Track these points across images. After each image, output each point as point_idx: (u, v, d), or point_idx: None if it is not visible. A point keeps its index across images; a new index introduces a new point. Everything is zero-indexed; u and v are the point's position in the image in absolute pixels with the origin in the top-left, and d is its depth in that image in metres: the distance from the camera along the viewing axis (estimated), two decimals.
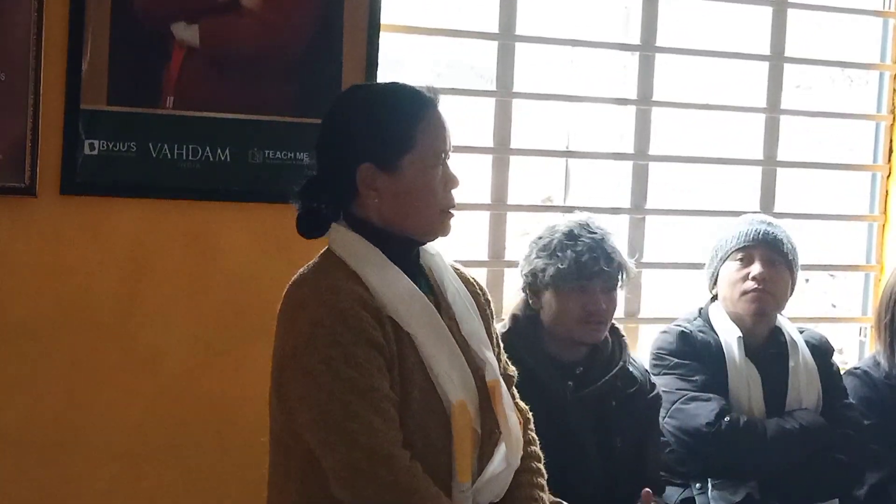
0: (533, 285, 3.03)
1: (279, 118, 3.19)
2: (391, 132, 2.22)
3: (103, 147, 3.05)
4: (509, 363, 2.51)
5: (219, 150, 3.16)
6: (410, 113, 2.23)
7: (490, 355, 2.31)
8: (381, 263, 2.22)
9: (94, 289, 3.09)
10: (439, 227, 2.28)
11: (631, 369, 3.05)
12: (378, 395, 2.11)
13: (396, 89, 2.33)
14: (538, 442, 2.49)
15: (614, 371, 3.00)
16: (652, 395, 3.10)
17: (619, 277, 3.02)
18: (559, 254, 2.97)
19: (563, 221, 3.07)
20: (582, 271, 2.94)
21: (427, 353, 2.20)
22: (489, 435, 2.26)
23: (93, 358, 3.10)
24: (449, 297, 2.32)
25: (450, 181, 2.26)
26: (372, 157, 2.21)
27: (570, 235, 2.99)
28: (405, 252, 2.27)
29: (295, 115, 3.18)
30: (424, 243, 2.32)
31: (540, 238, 3.06)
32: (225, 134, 3.15)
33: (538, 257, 3.01)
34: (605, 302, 2.98)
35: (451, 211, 2.28)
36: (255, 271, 3.17)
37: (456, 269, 2.43)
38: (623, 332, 3.16)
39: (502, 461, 2.26)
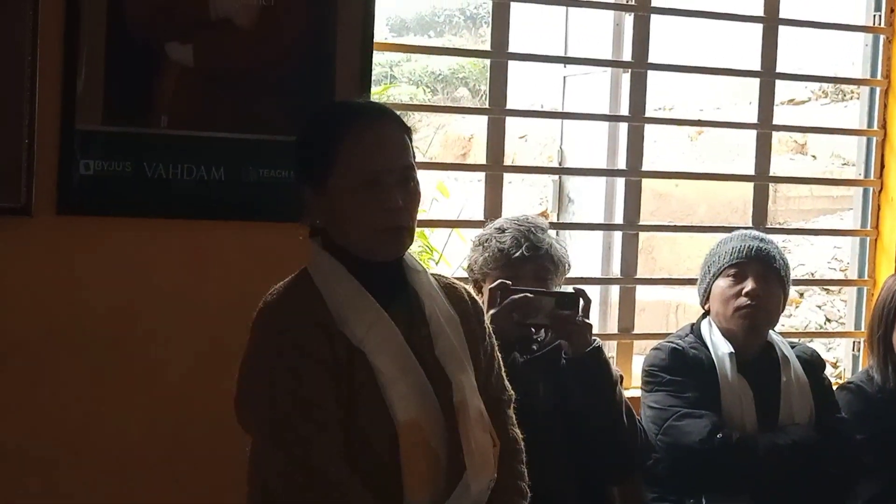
0: (475, 282, 3.13)
1: (273, 136, 3.20)
2: (313, 154, 2.23)
3: (98, 166, 3.07)
4: (507, 386, 2.49)
5: (213, 169, 3.17)
6: (331, 133, 2.21)
7: (463, 376, 2.26)
8: (344, 281, 2.22)
9: (90, 308, 3.10)
10: (380, 246, 2.23)
11: None
12: (317, 409, 2.12)
13: (325, 109, 2.37)
14: (526, 477, 2.42)
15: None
16: None
17: (552, 267, 3.07)
18: (485, 244, 3.10)
19: (500, 219, 3.21)
20: (506, 259, 3.03)
21: (380, 370, 2.17)
22: (457, 455, 2.22)
23: (89, 376, 3.10)
24: (427, 313, 2.29)
25: (385, 200, 2.19)
26: (306, 180, 2.24)
27: (500, 229, 3.11)
28: (374, 269, 2.25)
29: (289, 133, 3.15)
30: (386, 260, 2.27)
31: (478, 235, 3.20)
32: (219, 152, 3.17)
33: (473, 251, 3.16)
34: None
35: (393, 232, 2.22)
36: (251, 288, 3.16)
37: (451, 285, 2.42)
38: None
39: (466, 483, 2.21)
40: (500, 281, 2.93)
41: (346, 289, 2.22)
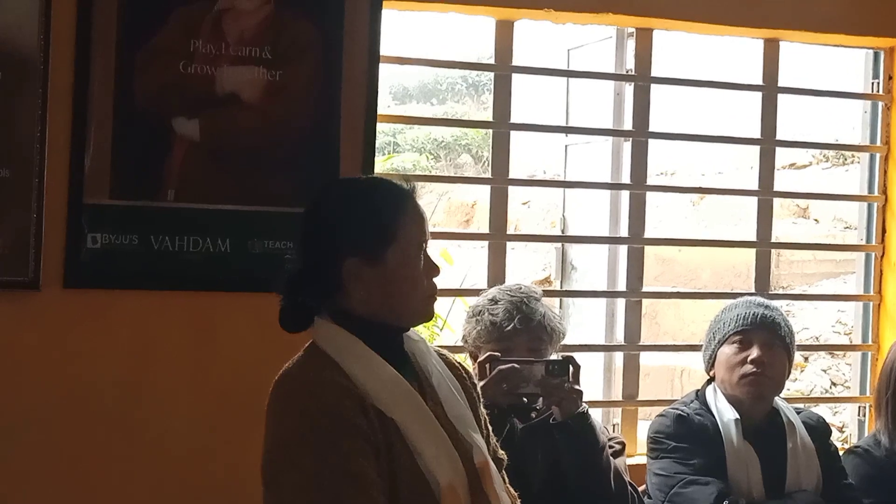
0: (470, 353, 3.15)
1: (278, 209, 3.25)
2: (375, 226, 2.26)
3: (106, 240, 3.11)
4: (498, 447, 2.53)
5: (219, 241, 3.21)
6: (392, 206, 2.28)
7: (477, 437, 2.33)
8: (364, 354, 2.25)
9: (98, 380, 3.12)
10: (425, 312, 2.33)
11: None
12: (366, 483, 2.12)
13: (376, 184, 2.39)
14: None
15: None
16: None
17: (546, 337, 3.09)
18: (479, 317, 3.12)
19: (493, 289, 3.23)
20: (499, 332, 3.06)
21: (413, 438, 2.21)
22: None
23: (95, 449, 3.12)
24: (434, 381, 2.33)
25: (431, 269, 2.31)
26: (356, 251, 2.25)
27: (493, 300, 3.13)
28: (388, 340, 2.30)
29: (294, 205, 3.20)
30: (408, 330, 2.35)
31: (472, 306, 3.21)
32: (225, 225, 3.21)
33: (467, 322, 3.17)
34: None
35: (435, 296, 2.33)
36: (257, 359, 3.18)
37: (441, 354, 2.46)
38: None
39: None
40: (488, 354, 2.97)
41: (367, 361, 2.25)
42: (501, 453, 2.51)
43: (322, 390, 2.17)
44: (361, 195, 2.35)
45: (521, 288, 3.18)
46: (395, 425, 2.20)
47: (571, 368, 2.96)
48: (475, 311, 3.16)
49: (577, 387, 2.96)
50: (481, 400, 2.52)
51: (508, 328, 3.06)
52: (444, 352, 2.50)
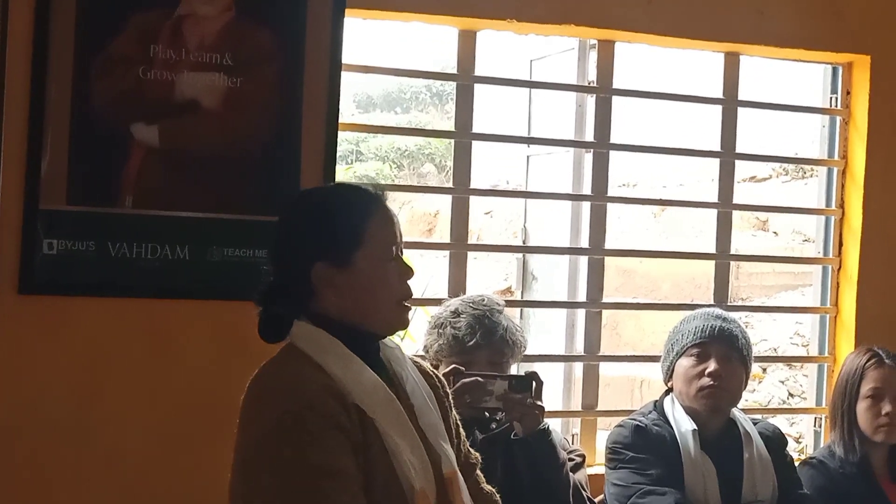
0: (432, 363, 3.12)
1: (238, 216, 3.23)
2: (342, 230, 2.27)
3: (62, 246, 3.08)
4: (471, 451, 2.54)
5: (178, 249, 3.18)
6: (359, 210, 2.29)
7: (447, 447, 2.33)
8: (344, 354, 2.25)
9: (53, 388, 3.09)
10: (398, 319, 2.32)
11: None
12: (348, 478, 2.11)
13: (344, 189, 2.41)
14: None
15: None
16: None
17: (507, 350, 3.11)
18: (441, 330, 3.12)
19: (456, 300, 3.22)
20: (461, 346, 3.07)
21: (390, 441, 2.21)
22: None
23: (52, 457, 3.09)
24: (408, 388, 2.34)
25: (404, 272, 2.31)
26: (325, 255, 2.26)
27: (455, 312, 3.13)
28: (366, 345, 2.30)
29: (254, 213, 3.22)
30: (384, 337, 2.35)
31: (433, 317, 3.21)
32: (184, 232, 3.19)
33: (429, 334, 3.17)
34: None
35: (408, 304, 2.33)
36: (215, 368, 3.18)
37: (416, 362, 2.46)
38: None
39: None
40: (452, 366, 2.97)
41: (348, 362, 2.25)
42: (474, 456, 2.53)
43: (303, 386, 2.16)
44: (329, 200, 2.37)
45: (483, 300, 3.18)
46: (374, 426, 2.20)
47: (534, 384, 2.96)
48: (437, 322, 3.16)
49: (539, 402, 2.97)
50: (453, 408, 2.52)
51: (471, 343, 3.06)
52: (419, 360, 2.51)
